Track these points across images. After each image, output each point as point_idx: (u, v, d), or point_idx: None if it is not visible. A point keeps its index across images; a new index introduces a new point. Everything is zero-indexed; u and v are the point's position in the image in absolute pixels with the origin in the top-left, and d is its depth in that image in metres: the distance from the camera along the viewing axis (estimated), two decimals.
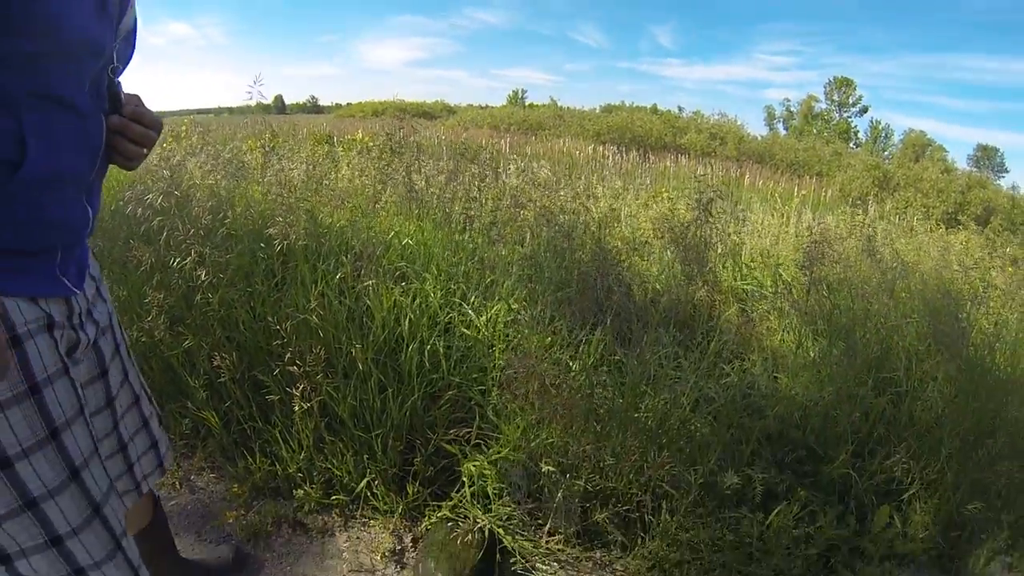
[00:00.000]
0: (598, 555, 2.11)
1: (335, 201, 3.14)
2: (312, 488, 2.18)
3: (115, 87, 1.08)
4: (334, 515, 2.18)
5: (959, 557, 2.29)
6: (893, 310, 2.99)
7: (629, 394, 2.22)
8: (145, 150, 1.18)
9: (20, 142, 0.89)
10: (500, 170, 4.08)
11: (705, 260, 3.00)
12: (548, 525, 2.07)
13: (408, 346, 2.27)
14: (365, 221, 3.01)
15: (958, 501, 2.31)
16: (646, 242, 3.55)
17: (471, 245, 2.96)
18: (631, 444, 2.11)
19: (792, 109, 49.61)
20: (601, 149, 9.77)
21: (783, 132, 46.04)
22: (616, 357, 2.40)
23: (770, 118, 50.52)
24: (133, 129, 1.12)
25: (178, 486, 2.31)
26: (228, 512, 2.15)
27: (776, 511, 2.12)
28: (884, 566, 2.14)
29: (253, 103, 3.03)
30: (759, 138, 30.43)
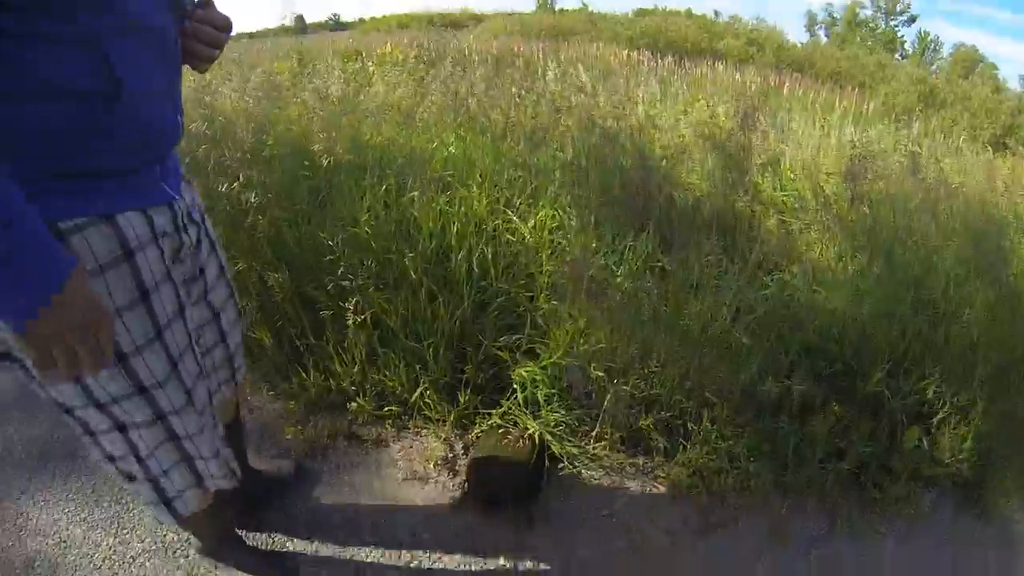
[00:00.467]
0: (641, 461, 2.16)
1: (374, 116, 3.11)
2: (365, 400, 2.24)
3: None
4: (387, 426, 2.24)
5: (981, 486, 2.31)
6: (934, 231, 2.92)
7: (673, 300, 2.22)
8: (217, 51, 1.22)
9: (112, 74, 0.94)
10: (538, 76, 3.98)
11: (746, 168, 2.93)
12: (595, 431, 2.11)
13: (456, 254, 2.28)
14: (406, 133, 2.97)
15: (986, 430, 2.31)
16: (684, 150, 3.47)
17: (514, 151, 2.92)
18: (676, 350, 2.12)
19: (835, 15, 46.87)
20: (635, 55, 9.41)
21: (825, 39, 43.75)
22: (659, 263, 2.39)
23: (811, 24, 47.86)
24: (206, 33, 1.17)
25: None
26: (287, 427, 2.23)
27: (812, 423, 2.15)
28: (910, 486, 2.18)
29: (288, 22, 2.99)
30: (799, 45, 29.18)
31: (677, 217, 2.69)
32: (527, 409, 2.09)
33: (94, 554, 1.89)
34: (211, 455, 1.36)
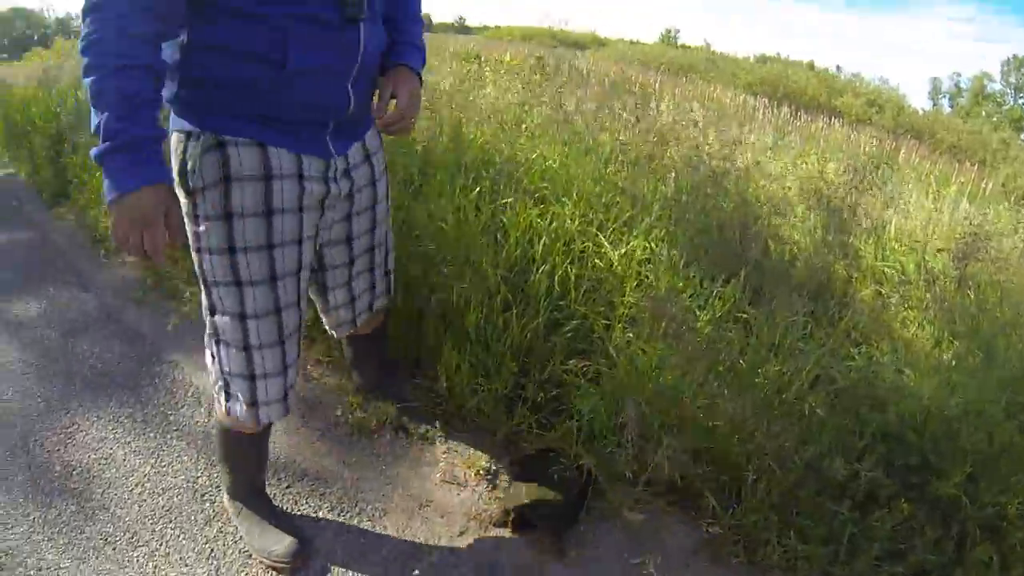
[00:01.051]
0: (686, 515, 2.02)
1: (480, 115, 3.07)
2: (421, 392, 2.19)
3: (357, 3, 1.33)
4: (437, 425, 2.17)
5: None
6: None
7: (752, 355, 2.07)
8: (412, 120, 1.55)
9: (284, 47, 1.25)
10: (652, 105, 3.88)
11: (849, 231, 2.75)
12: (646, 474, 1.99)
13: (538, 269, 2.20)
14: (509, 138, 2.92)
15: None
16: (788, 203, 3.28)
17: (616, 176, 2.83)
18: (745, 408, 1.98)
19: (961, 85, 44.50)
20: (752, 100, 9.11)
21: (948, 109, 41.60)
22: (744, 315, 2.25)
23: (935, 92, 45.54)
24: (392, 128, 1.51)
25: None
26: (349, 400, 2.25)
27: (876, 516, 1.95)
28: None
29: None
30: (920, 112, 27.90)
31: (771, 270, 2.53)
32: (580, 437, 1.99)
33: (129, 477, 2.01)
34: (275, 371, 1.51)
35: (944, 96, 45.06)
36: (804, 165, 4.20)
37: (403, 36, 1.56)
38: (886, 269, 3.27)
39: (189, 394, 2.42)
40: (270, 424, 1.66)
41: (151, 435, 2.16)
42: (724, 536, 1.94)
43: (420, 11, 1.68)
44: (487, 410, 2.11)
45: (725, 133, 3.78)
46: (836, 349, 2.25)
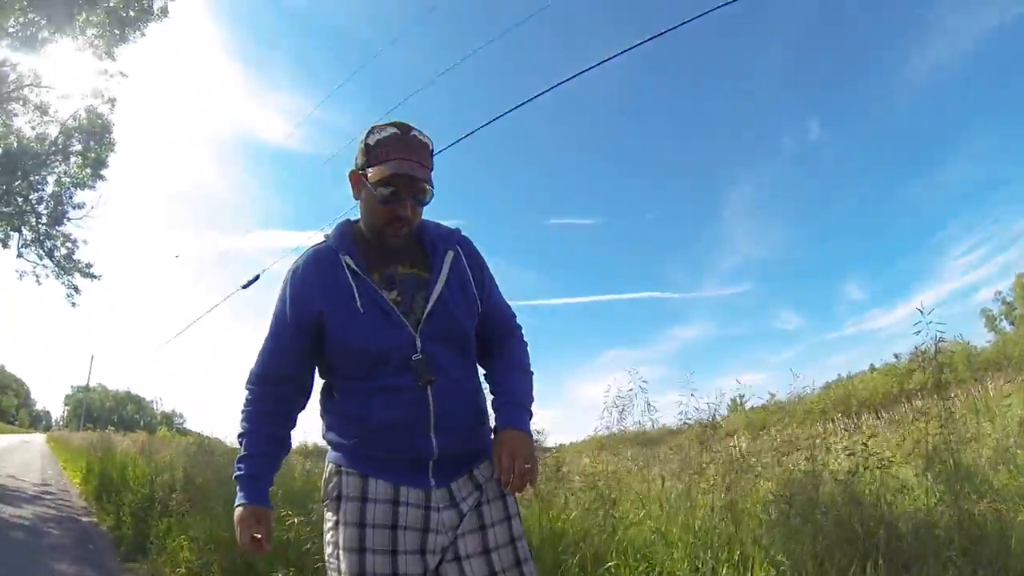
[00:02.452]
0: None
1: None
2: None
3: (419, 365, 1.62)
4: None
5: None
6: None
7: None
8: (525, 476, 1.63)
9: (367, 409, 1.63)
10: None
11: (970, 472, 2.46)
12: None
13: None
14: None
15: None
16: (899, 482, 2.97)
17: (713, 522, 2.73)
18: None
19: (1008, 300, 41.66)
20: (831, 426, 8.81)
21: (1010, 329, 38.43)
22: None
23: (991, 321, 42.26)
24: (512, 488, 1.64)
25: None
26: None
27: None
28: None
29: None
30: (988, 345, 26.23)
31: (907, 548, 2.21)
32: None
33: None
34: None
35: (1000, 319, 41.76)
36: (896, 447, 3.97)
37: (502, 396, 1.76)
38: None
39: None
40: None
41: None
42: None
43: (525, 361, 1.86)
44: None
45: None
46: None
